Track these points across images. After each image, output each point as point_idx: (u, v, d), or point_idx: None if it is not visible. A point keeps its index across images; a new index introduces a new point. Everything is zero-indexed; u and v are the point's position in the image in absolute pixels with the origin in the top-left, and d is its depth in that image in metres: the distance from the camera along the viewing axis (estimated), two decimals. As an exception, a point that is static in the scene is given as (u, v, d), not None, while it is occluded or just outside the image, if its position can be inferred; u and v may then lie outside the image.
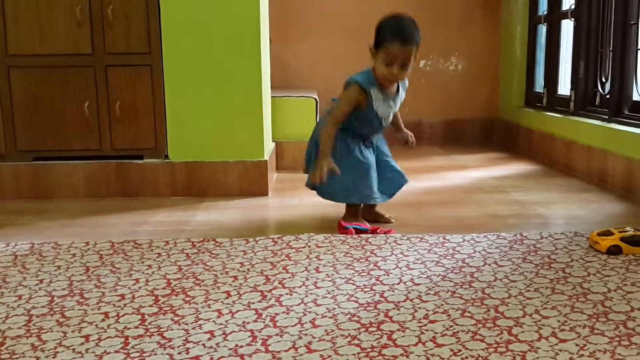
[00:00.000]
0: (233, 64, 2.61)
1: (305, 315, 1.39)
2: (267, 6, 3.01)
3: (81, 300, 1.50)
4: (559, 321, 1.34)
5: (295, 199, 2.63)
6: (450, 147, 4.00)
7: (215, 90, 2.63)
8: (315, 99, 3.35)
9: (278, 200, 2.62)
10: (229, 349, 1.23)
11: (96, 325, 1.35)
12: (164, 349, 1.23)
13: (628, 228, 1.88)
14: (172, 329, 1.33)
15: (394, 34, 1.97)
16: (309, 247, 1.90)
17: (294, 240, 1.97)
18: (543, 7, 3.84)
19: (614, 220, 2.22)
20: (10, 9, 2.56)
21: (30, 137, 2.65)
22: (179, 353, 1.22)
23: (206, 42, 2.60)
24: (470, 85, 4.37)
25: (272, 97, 3.22)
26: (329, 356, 1.20)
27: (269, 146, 2.91)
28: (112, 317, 1.40)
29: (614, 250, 1.79)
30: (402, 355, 1.20)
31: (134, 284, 1.61)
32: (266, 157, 2.71)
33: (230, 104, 2.64)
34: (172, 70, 2.62)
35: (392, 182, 2.20)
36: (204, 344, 1.25)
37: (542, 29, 3.86)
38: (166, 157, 2.68)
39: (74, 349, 1.24)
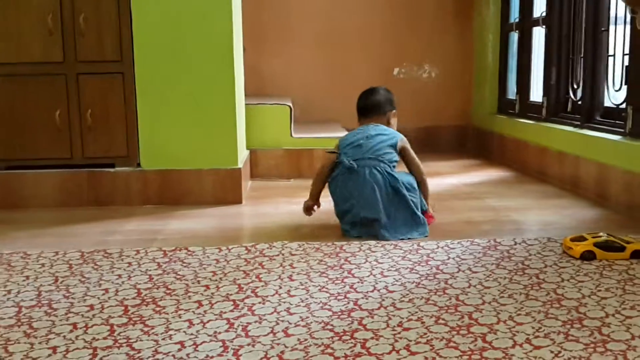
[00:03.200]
0: (206, 72, 2.59)
1: (278, 324, 1.38)
2: (241, 14, 3.00)
3: (49, 310, 1.47)
4: (533, 328, 1.34)
5: (269, 206, 2.61)
6: (424, 154, 3.96)
7: (188, 98, 2.60)
8: (290, 106, 3.34)
9: (252, 208, 2.60)
10: (200, 360, 1.21)
11: (64, 336, 1.32)
12: (133, 361, 1.21)
13: (601, 233, 1.89)
14: (141, 340, 1.30)
15: None
16: (283, 255, 1.88)
17: (268, 248, 1.95)
18: (514, 15, 3.87)
19: (587, 225, 2.24)
20: (-22, 16, 2.52)
21: (0, 146, 2.60)
22: (149, 365, 1.19)
23: (179, 50, 2.58)
24: (444, 93, 4.39)
25: (246, 104, 3.20)
26: (302, 366, 1.18)
27: (243, 154, 2.89)
28: (81, 328, 1.36)
29: (588, 256, 1.80)
30: (375, 363, 1.18)
31: (104, 294, 1.57)
32: (240, 165, 2.69)
33: (203, 111, 2.61)
34: (144, 78, 2.59)
35: None
36: (174, 355, 1.23)
37: (514, 37, 3.89)
38: (138, 165, 2.64)
39: (40, 362, 1.21)
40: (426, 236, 2.09)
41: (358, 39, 4.27)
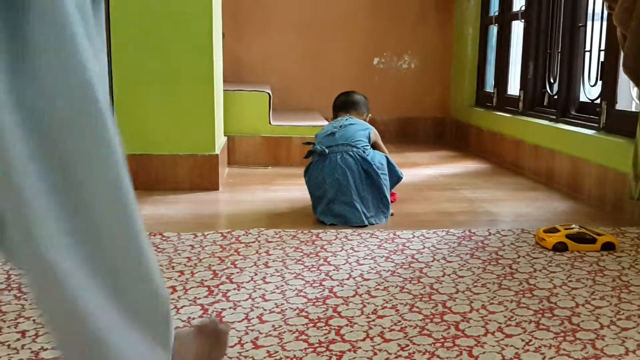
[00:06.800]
0: (184, 56, 2.57)
1: (252, 310, 1.37)
2: (221, 0, 2.97)
3: (18, 294, 1.45)
4: (505, 316, 1.36)
5: (246, 193, 2.60)
6: (402, 145, 4.02)
7: (165, 82, 2.57)
8: (268, 93, 3.32)
9: (229, 194, 2.59)
10: (173, 345, 1.20)
11: (33, 320, 1.31)
12: (105, 345, 1.19)
13: (573, 225, 1.91)
14: (114, 325, 1.29)
15: None
16: (259, 242, 1.88)
17: (244, 235, 1.94)
18: (494, 8, 3.89)
19: (560, 217, 2.26)
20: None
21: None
22: (121, 349, 1.18)
23: (156, 34, 2.55)
24: (423, 84, 4.41)
25: (224, 91, 3.18)
26: (276, 352, 1.18)
27: (220, 140, 2.87)
28: (52, 312, 1.35)
29: (560, 247, 1.82)
30: (349, 350, 1.19)
31: (76, 279, 1.55)
32: (217, 151, 2.67)
33: (180, 96, 2.59)
34: (121, 61, 2.55)
35: None
36: (147, 340, 1.22)
37: (493, 30, 3.91)
38: (114, 149, 2.61)
39: (9, 345, 1.19)
40: (392, 214, 2.20)
41: (339, 28, 4.26)
